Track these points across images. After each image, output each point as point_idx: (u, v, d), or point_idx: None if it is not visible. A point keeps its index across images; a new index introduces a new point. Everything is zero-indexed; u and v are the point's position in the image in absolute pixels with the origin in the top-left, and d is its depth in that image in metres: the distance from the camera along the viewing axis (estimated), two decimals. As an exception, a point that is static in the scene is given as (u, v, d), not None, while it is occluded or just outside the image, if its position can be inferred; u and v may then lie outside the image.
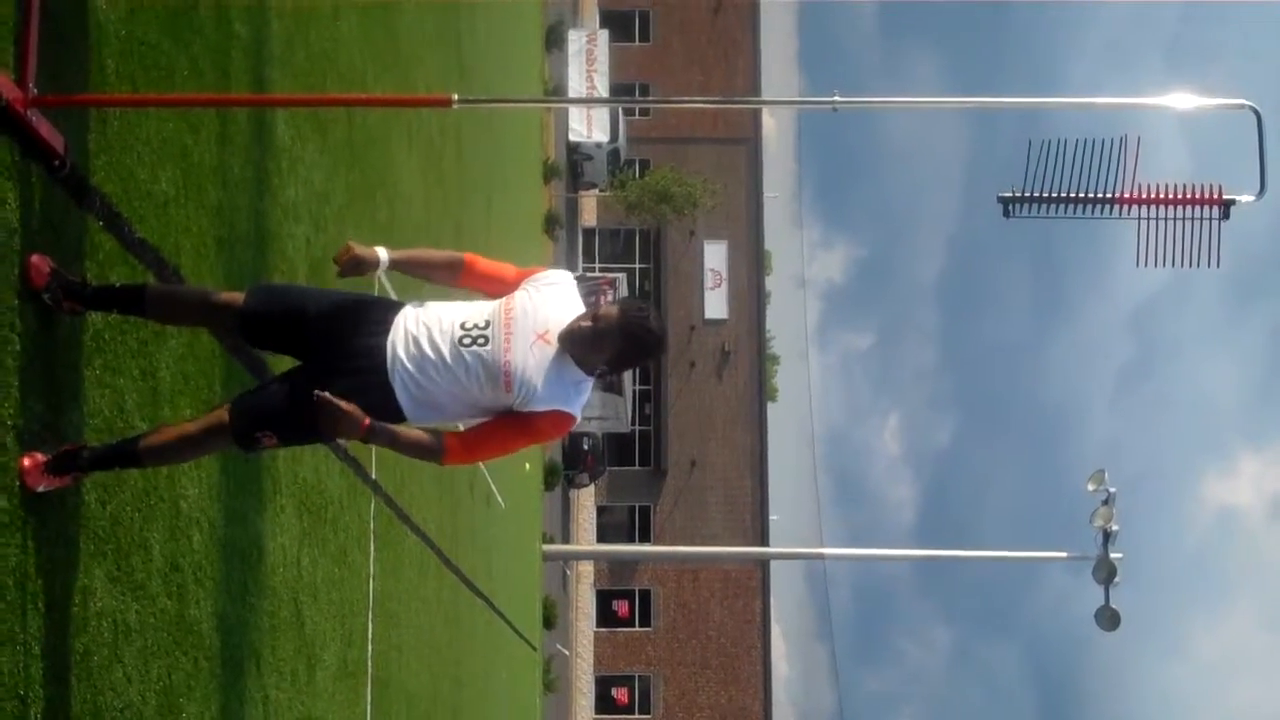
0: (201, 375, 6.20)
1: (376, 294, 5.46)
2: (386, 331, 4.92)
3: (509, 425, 4.98)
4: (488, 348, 4.87)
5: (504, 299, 5.05)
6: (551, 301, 5.04)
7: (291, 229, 8.00)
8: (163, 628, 5.61)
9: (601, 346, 4.94)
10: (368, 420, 4.65)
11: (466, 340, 4.89)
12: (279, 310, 4.96)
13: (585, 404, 5.12)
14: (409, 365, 4.86)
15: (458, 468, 4.97)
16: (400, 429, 4.85)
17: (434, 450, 4.88)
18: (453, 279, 5.18)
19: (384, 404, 4.86)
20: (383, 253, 4.99)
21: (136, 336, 5.43)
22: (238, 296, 4.95)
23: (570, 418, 5.03)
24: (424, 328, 4.92)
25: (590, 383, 5.10)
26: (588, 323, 4.92)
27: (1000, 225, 5.63)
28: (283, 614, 7.59)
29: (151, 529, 5.52)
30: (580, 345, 4.94)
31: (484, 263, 5.20)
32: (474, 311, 5.00)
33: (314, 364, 4.91)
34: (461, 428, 5.16)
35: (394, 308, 5.04)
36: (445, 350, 4.87)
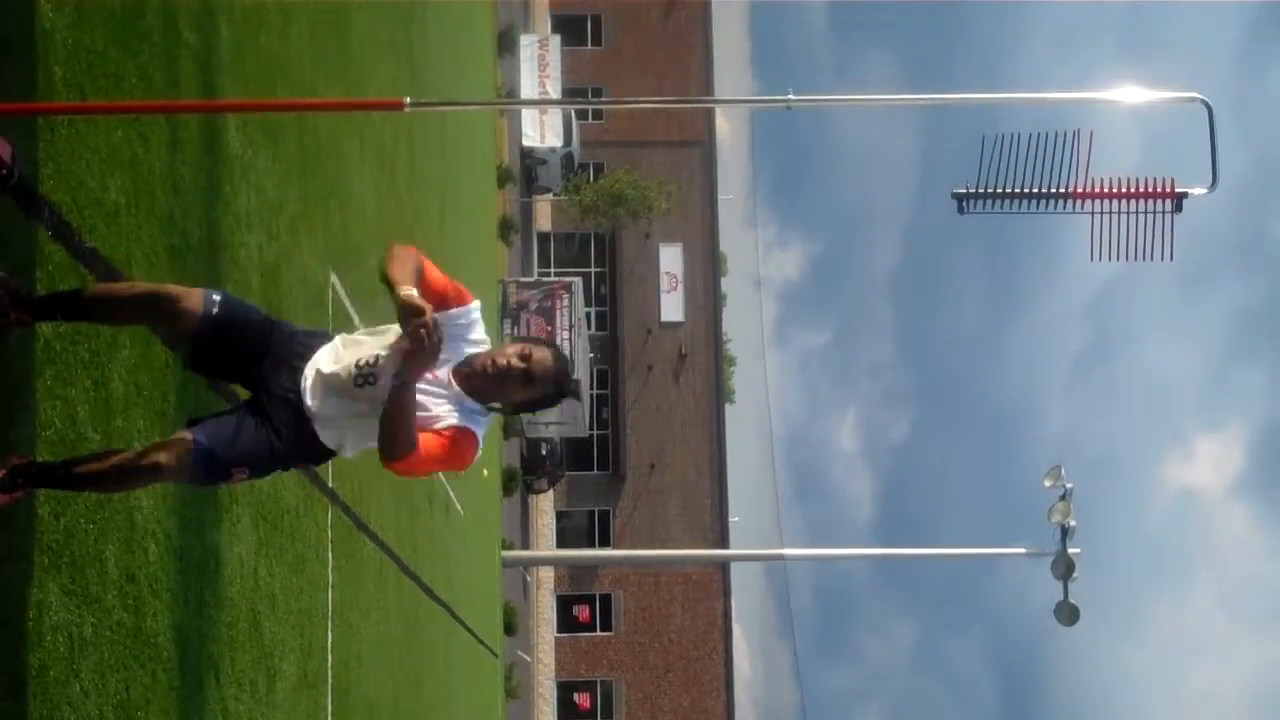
0: (154, 385, 6.14)
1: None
2: (304, 366, 4.89)
3: (444, 442, 4.85)
4: (377, 387, 4.79)
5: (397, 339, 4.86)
6: (455, 335, 4.92)
7: (244, 237, 7.94)
8: (119, 641, 5.55)
9: (529, 388, 4.91)
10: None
11: (360, 380, 4.83)
12: (245, 338, 4.87)
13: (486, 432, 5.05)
14: (317, 403, 4.83)
15: (406, 475, 4.86)
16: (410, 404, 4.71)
17: (413, 438, 4.71)
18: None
19: (313, 440, 4.85)
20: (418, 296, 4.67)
21: (88, 347, 5.37)
22: (195, 298, 4.78)
23: (478, 442, 4.94)
24: (333, 365, 4.88)
25: (489, 418, 5.03)
26: (518, 363, 4.85)
27: (955, 220, 5.65)
28: (241, 625, 7.53)
29: (106, 541, 5.46)
30: (496, 382, 4.88)
31: (429, 269, 4.96)
32: (370, 348, 4.92)
33: (264, 396, 4.87)
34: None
35: (322, 339, 5.01)
36: (345, 390, 4.83)
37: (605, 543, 51.50)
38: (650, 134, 53.63)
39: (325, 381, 4.86)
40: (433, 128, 20.12)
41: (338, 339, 5.01)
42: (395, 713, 13.42)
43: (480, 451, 5.01)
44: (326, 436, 4.87)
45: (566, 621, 50.65)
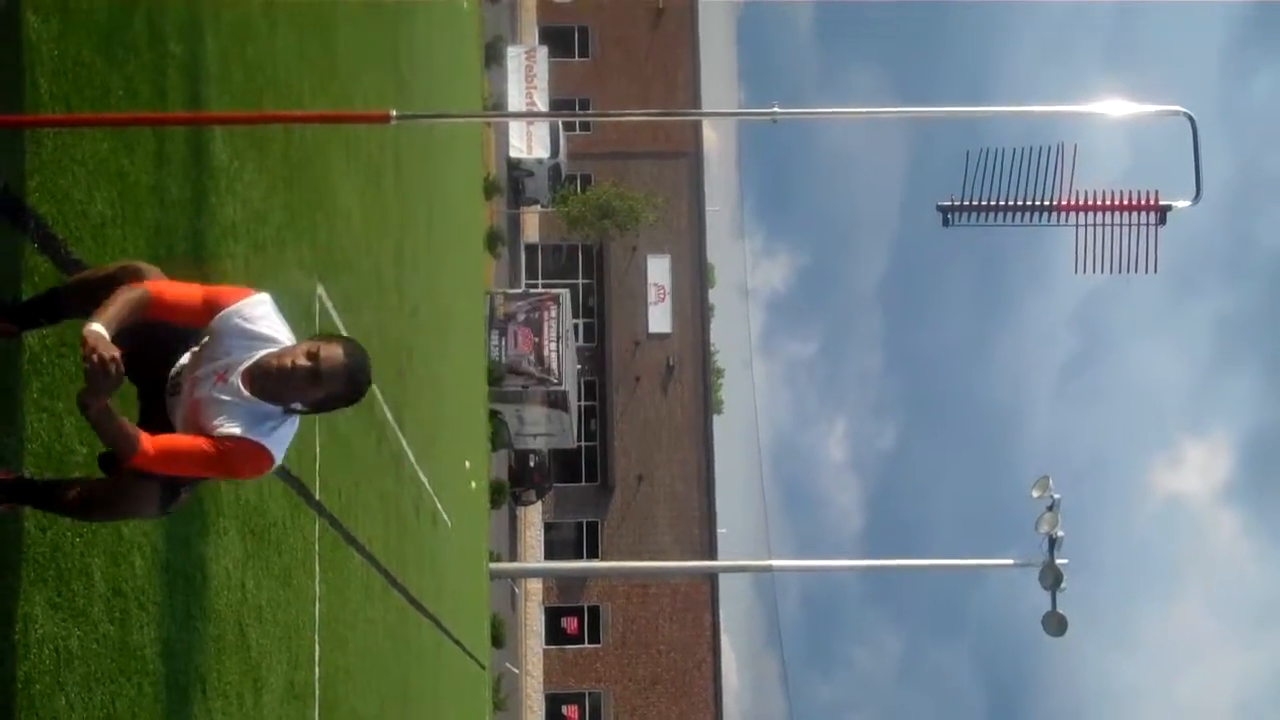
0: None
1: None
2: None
3: (204, 446, 4.67)
4: (179, 397, 4.74)
5: (200, 342, 4.79)
6: (233, 336, 4.78)
7: (231, 248, 7.94)
8: (106, 654, 5.54)
9: (317, 386, 4.76)
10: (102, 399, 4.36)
11: (171, 388, 4.79)
12: (174, 327, 4.81)
13: (289, 443, 4.91)
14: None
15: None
16: (117, 415, 4.47)
17: (131, 443, 4.48)
18: (144, 317, 4.60)
19: None
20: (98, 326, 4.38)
21: (75, 360, 5.35)
22: (155, 274, 4.70)
23: (262, 450, 4.77)
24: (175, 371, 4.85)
25: (293, 422, 4.90)
26: (303, 361, 4.71)
27: (941, 232, 5.66)
28: (227, 637, 7.52)
29: (93, 554, 5.45)
30: (284, 382, 4.74)
31: (170, 293, 4.72)
32: (185, 355, 4.85)
33: (147, 396, 4.88)
34: None
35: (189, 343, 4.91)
36: (167, 399, 4.81)
37: (593, 554, 51.44)
38: (637, 146, 53.68)
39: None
40: (419, 139, 20.13)
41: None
42: (382, 725, 13.39)
43: (278, 460, 4.84)
44: None
45: (555, 633, 50.58)
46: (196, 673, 6.89)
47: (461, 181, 29.75)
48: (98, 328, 4.29)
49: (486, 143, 39.17)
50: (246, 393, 4.73)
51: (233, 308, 4.79)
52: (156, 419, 4.79)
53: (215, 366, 4.72)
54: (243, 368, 4.75)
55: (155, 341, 4.78)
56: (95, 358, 4.23)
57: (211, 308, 4.77)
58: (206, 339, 4.76)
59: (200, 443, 4.65)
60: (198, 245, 7.30)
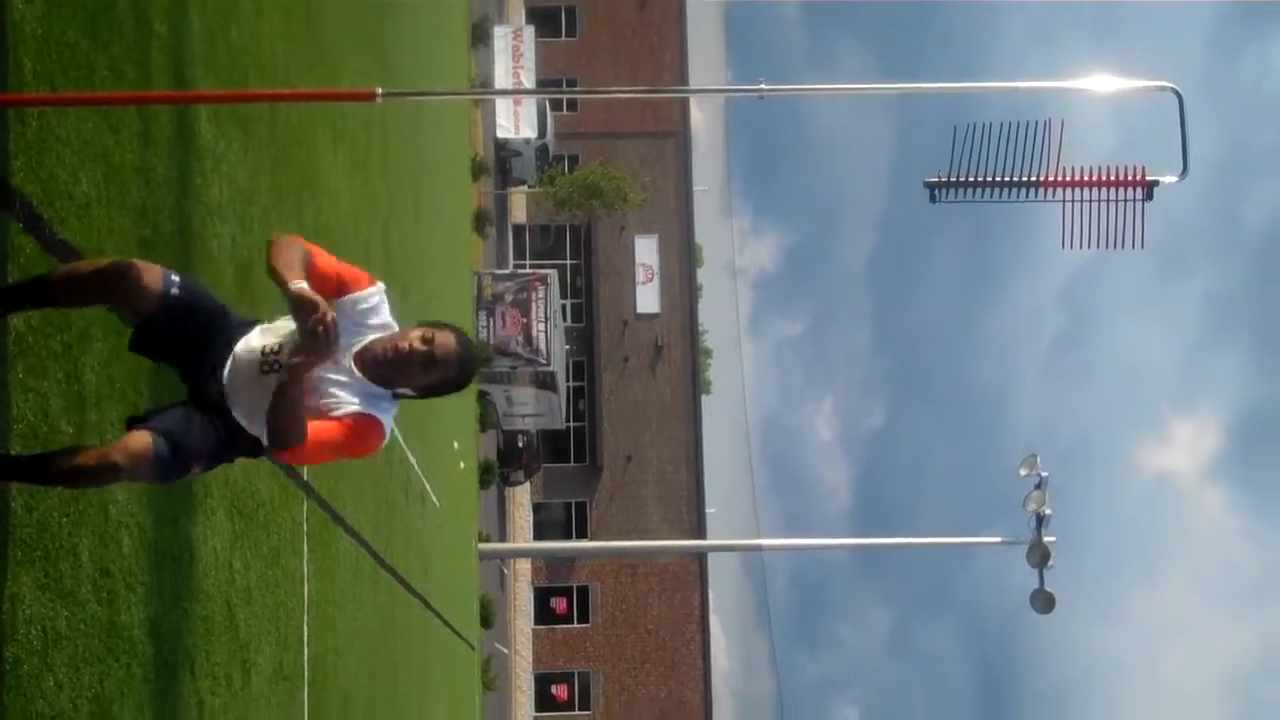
0: (127, 378, 6.12)
1: (243, 315, 5.16)
2: (228, 353, 4.82)
3: (340, 431, 4.79)
4: (271, 377, 4.72)
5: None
6: (350, 319, 4.86)
7: (217, 229, 7.92)
8: (93, 634, 5.53)
9: (431, 371, 4.84)
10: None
11: (265, 368, 4.77)
12: (199, 315, 4.79)
13: (394, 419, 4.99)
14: (235, 393, 4.78)
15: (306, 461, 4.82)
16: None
17: (302, 429, 4.64)
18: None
19: (236, 428, 4.81)
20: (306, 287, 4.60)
21: (60, 339, 5.35)
22: (154, 274, 4.64)
23: (380, 425, 4.88)
24: (246, 353, 4.81)
25: (395, 404, 4.97)
26: (419, 346, 4.79)
27: (928, 209, 5.67)
28: (216, 618, 7.52)
29: (80, 534, 5.45)
30: (397, 367, 4.81)
31: (319, 258, 4.84)
32: (274, 335, 4.85)
33: (197, 384, 4.83)
34: None
35: (245, 327, 4.92)
36: (253, 377, 4.76)
37: (582, 534, 51.53)
38: (625, 126, 53.61)
39: (238, 369, 4.80)
40: (406, 119, 20.08)
41: (258, 327, 4.95)
42: (372, 705, 13.41)
43: (387, 438, 4.97)
44: (248, 425, 4.81)
45: (544, 613, 50.68)
46: (185, 653, 6.89)
47: (449, 162, 29.69)
48: (309, 292, 4.43)
49: (473, 123, 39.07)
50: (358, 374, 4.82)
51: (360, 293, 4.92)
52: (199, 403, 4.80)
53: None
54: (353, 351, 4.83)
55: (203, 324, 4.81)
56: (329, 320, 4.39)
57: (341, 286, 4.88)
58: None
59: (336, 428, 4.76)
60: (184, 225, 7.28)
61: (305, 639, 9.95)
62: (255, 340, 4.86)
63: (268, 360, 4.77)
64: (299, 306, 4.45)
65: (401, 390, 4.95)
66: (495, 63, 45.89)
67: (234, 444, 4.87)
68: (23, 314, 4.93)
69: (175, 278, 4.73)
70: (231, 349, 4.84)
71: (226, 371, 4.80)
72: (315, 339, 4.44)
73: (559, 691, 50.03)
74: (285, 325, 4.86)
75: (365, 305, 4.93)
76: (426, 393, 5.01)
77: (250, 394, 4.76)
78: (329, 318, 4.42)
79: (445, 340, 4.83)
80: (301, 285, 4.48)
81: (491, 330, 37.96)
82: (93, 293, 4.80)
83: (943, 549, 33.16)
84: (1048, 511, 24.80)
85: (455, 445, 26.68)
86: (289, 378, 4.53)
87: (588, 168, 49.29)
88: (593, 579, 50.90)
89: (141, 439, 4.51)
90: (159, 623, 6.44)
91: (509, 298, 38.54)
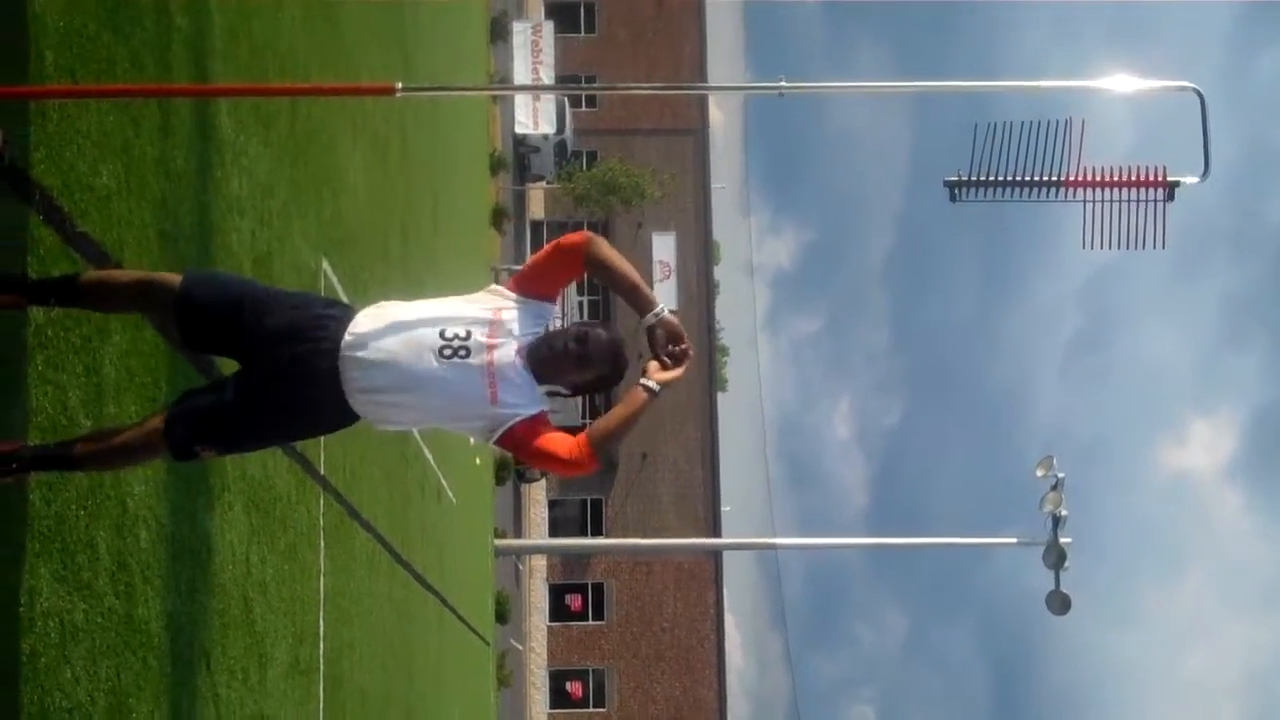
0: (146, 372, 6.13)
1: (322, 293, 5.20)
2: (338, 337, 4.70)
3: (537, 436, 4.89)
4: (471, 360, 4.69)
5: (492, 307, 4.84)
6: (531, 315, 4.90)
7: (236, 223, 7.93)
8: (111, 627, 5.54)
9: (587, 369, 4.87)
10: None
11: (448, 351, 4.69)
12: (221, 303, 4.75)
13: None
14: (370, 376, 4.68)
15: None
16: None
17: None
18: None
19: (337, 415, 4.78)
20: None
21: (79, 332, 5.36)
22: (175, 279, 4.73)
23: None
24: (390, 335, 4.70)
25: (548, 403, 5.01)
26: (574, 345, 4.81)
27: (948, 208, 5.66)
28: (232, 612, 7.53)
29: (98, 527, 5.46)
30: (555, 365, 4.84)
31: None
32: (453, 318, 4.79)
33: (256, 369, 4.74)
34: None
35: (346, 311, 4.83)
36: (419, 360, 4.67)
37: (597, 531, 51.50)
38: (643, 122, 53.57)
39: (388, 351, 4.68)
40: (425, 114, 20.10)
41: (374, 308, 4.84)
42: (387, 700, 13.43)
43: None
44: (364, 407, 4.76)
45: (559, 610, 50.69)
46: (201, 647, 6.91)
47: (467, 157, 29.72)
48: (677, 323, 4.74)
49: (492, 119, 39.11)
50: (528, 373, 4.85)
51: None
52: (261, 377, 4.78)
53: (508, 340, 4.79)
54: (526, 345, 4.85)
55: (237, 301, 4.77)
56: (691, 350, 4.77)
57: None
58: (507, 309, 4.84)
59: (562, 435, 4.90)
60: (203, 218, 7.29)
61: (321, 633, 9.97)
62: (413, 320, 4.77)
63: (450, 345, 4.71)
64: (673, 335, 4.79)
65: (555, 389, 4.98)
66: (514, 58, 45.91)
67: (286, 428, 4.91)
68: (45, 307, 4.94)
69: (190, 271, 4.82)
70: (328, 332, 4.72)
71: (353, 355, 4.68)
72: (680, 363, 4.78)
73: (573, 688, 50.05)
74: (456, 308, 4.82)
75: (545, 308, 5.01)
76: (579, 390, 5.02)
77: (396, 380, 4.69)
78: (690, 347, 4.77)
79: (597, 336, 4.88)
80: (669, 314, 4.82)
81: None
82: (120, 303, 4.91)
83: (959, 549, 33.09)
84: (1064, 512, 24.72)
85: (471, 441, 26.69)
86: (650, 399, 4.79)
87: (606, 164, 49.28)
88: (608, 576, 50.90)
89: (157, 418, 4.60)
90: (176, 616, 6.45)
91: (526, 294, 38.43)
